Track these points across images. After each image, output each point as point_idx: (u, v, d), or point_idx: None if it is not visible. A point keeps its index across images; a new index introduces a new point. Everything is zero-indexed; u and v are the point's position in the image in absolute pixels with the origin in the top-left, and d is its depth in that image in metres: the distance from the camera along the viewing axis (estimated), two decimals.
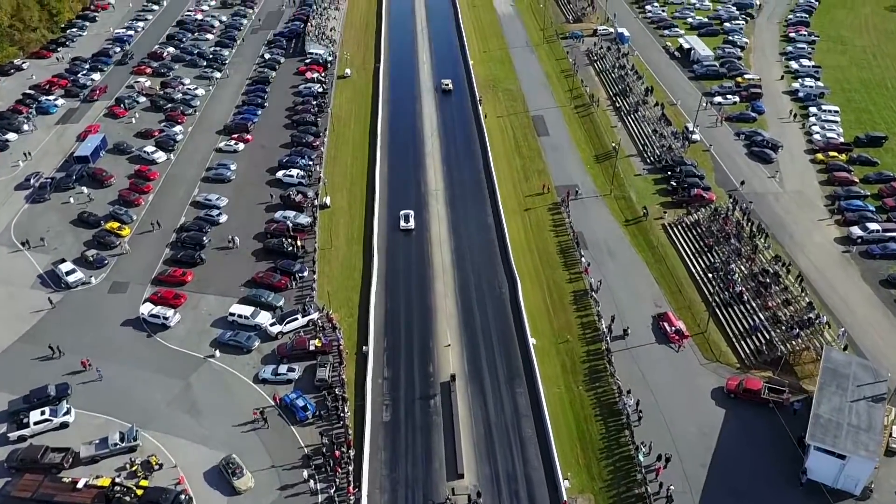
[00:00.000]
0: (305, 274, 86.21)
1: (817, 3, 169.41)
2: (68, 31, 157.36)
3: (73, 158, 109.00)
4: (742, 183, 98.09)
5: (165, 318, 78.74)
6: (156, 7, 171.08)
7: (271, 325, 77.89)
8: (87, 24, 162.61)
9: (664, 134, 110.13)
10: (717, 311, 78.62)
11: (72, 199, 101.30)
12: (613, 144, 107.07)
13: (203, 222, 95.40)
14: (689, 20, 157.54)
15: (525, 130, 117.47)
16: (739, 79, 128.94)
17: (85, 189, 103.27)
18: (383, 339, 76.69)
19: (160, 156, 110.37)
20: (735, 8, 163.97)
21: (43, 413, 67.62)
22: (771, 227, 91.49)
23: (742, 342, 74.69)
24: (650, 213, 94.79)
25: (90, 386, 71.76)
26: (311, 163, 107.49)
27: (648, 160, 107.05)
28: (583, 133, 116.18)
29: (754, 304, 77.50)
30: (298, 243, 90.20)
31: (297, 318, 78.37)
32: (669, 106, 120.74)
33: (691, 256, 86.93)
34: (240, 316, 78.81)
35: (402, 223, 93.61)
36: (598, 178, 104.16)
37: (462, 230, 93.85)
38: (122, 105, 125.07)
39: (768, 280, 79.32)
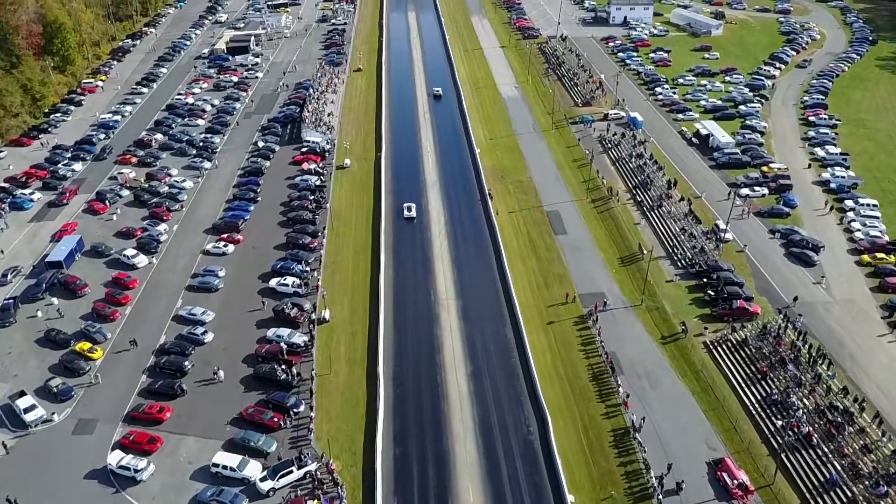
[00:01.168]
0: (301, 409, 74.77)
1: (831, 83, 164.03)
2: (52, 117, 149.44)
3: (45, 264, 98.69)
4: (795, 299, 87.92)
5: (137, 471, 66.89)
6: (145, 90, 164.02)
7: (262, 479, 66.04)
8: (73, 108, 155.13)
9: (694, 233, 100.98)
10: (783, 455, 67.41)
11: (39, 313, 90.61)
12: (644, 251, 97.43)
13: (186, 342, 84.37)
14: (703, 103, 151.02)
15: (540, 228, 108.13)
16: (765, 168, 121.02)
17: (55, 300, 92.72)
18: (393, 499, 64.80)
19: (141, 260, 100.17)
20: (748, 89, 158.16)
21: None
22: (826, 345, 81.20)
23: (819, 499, 63.32)
24: (689, 330, 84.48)
25: None
26: (307, 269, 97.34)
27: (679, 264, 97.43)
28: (603, 231, 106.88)
29: (826, 450, 66.47)
30: (293, 370, 79.11)
31: (291, 471, 66.55)
32: (694, 199, 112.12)
33: (743, 385, 76.19)
34: (224, 467, 67.06)
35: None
36: (625, 286, 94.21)
37: (479, 350, 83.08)
38: (103, 200, 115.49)
39: (839, 419, 68.52)
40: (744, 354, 79.58)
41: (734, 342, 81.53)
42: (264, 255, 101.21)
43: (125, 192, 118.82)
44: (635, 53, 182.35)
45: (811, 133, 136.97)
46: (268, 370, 78.78)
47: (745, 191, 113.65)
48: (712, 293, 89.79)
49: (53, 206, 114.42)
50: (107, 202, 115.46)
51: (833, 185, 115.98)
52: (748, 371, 77.36)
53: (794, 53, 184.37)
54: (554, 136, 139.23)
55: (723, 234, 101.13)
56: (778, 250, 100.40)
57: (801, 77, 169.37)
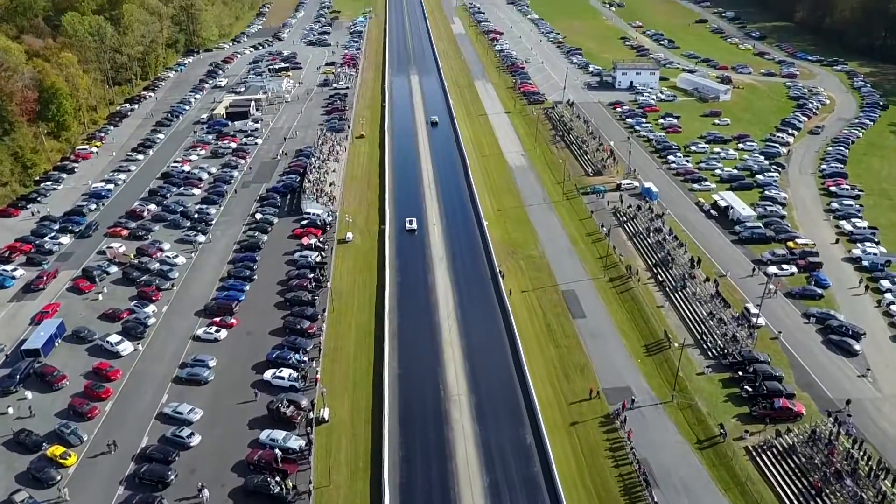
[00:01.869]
0: None
1: (847, 150, 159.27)
2: (42, 185, 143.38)
3: (21, 352, 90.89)
4: (848, 402, 79.92)
5: None
6: (141, 157, 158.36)
7: None
8: (65, 175, 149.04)
9: (724, 318, 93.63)
10: None
11: (10, 410, 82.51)
12: (674, 343, 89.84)
13: (170, 447, 76.00)
14: (718, 172, 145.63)
15: (556, 310, 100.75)
16: (791, 243, 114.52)
17: (29, 395, 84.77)
18: None
19: (125, 347, 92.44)
20: (762, 157, 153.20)
21: None
22: (883, 451, 73.17)
23: None
24: (728, 433, 76.28)
25: None
26: (305, 359, 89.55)
27: (710, 354, 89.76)
28: (624, 314, 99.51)
29: None
30: (289, 483, 70.56)
31: None
32: (719, 277, 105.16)
33: (796, 503, 67.62)
34: None
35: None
36: (652, 378, 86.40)
37: (496, 457, 74.69)
38: (90, 278, 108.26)
39: None
40: (793, 464, 71.28)
41: (780, 448, 73.32)
42: (259, 342, 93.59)
43: (113, 269, 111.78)
44: (644, 119, 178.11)
45: (834, 204, 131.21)
46: (260, 483, 70.28)
47: (772, 269, 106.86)
48: (750, 389, 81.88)
49: (29, 291, 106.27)
50: (95, 280, 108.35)
51: (865, 263, 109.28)
52: (800, 485, 68.95)
53: (806, 119, 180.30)
54: (565, 207, 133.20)
55: (755, 319, 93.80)
56: (815, 337, 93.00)
57: (816, 144, 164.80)
